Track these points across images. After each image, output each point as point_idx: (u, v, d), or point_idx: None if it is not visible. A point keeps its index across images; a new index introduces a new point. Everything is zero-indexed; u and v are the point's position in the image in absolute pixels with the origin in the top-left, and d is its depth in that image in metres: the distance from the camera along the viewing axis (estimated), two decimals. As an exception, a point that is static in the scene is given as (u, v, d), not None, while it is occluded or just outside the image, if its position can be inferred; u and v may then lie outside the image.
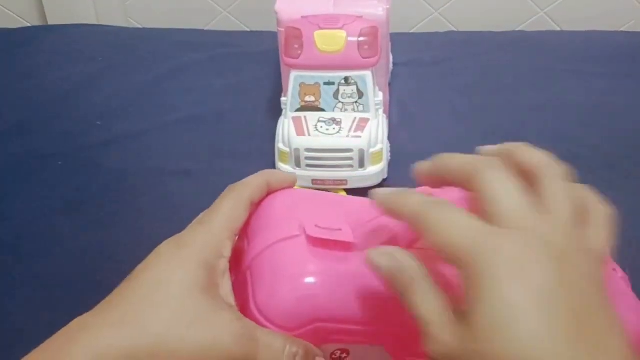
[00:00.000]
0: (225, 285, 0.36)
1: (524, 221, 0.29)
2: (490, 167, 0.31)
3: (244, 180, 0.41)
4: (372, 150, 0.72)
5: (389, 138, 0.78)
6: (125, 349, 0.32)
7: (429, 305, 0.30)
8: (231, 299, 0.36)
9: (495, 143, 0.88)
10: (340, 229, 0.38)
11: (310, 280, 0.36)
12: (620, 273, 0.42)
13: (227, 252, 0.37)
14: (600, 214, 0.33)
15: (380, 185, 0.75)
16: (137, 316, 0.33)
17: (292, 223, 0.38)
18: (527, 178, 0.32)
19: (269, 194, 0.42)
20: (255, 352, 0.34)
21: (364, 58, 0.72)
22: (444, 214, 0.30)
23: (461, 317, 0.29)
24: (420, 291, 0.30)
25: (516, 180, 0.31)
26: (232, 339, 0.33)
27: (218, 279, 0.36)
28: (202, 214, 0.40)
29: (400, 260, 0.32)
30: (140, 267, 0.36)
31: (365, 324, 0.36)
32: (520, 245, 0.28)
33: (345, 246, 0.37)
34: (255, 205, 0.41)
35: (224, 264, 0.37)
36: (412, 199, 0.32)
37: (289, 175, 0.43)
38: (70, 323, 0.34)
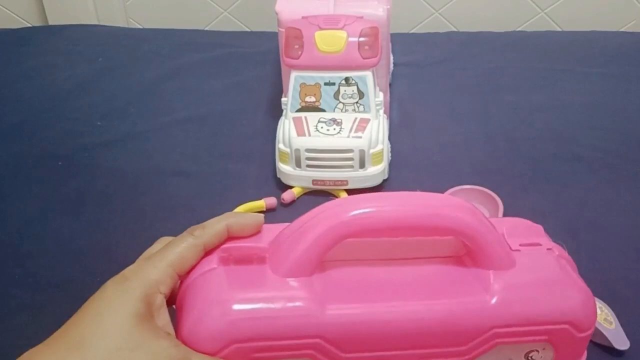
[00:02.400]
0: (162, 317, 0.39)
1: None
2: None
3: (205, 224, 0.42)
4: (372, 150, 0.72)
5: (389, 138, 0.78)
6: None
7: None
8: (170, 329, 0.39)
9: (495, 143, 0.88)
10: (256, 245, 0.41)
11: (224, 306, 0.38)
12: (557, 251, 0.44)
13: (164, 289, 0.39)
14: None
15: (380, 186, 0.75)
16: (84, 345, 0.36)
17: (212, 258, 0.41)
18: None
19: (231, 238, 0.42)
20: None
21: (364, 58, 0.72)
22: None
23: None
24: None
25: None
26: None
27: (154, 311, 0.38)
28: (155, 251, 0.42)
29: None
30: (88, 301, 0.38)
31: (283, 338, 0.38)
32: None
33: (259, 256, 0.40)
34: (212, 250, 0.42)
35: (160, 299, 0.39)
36: None
37: (252, 220, 0.43)
38: (23, 354, 0.38)
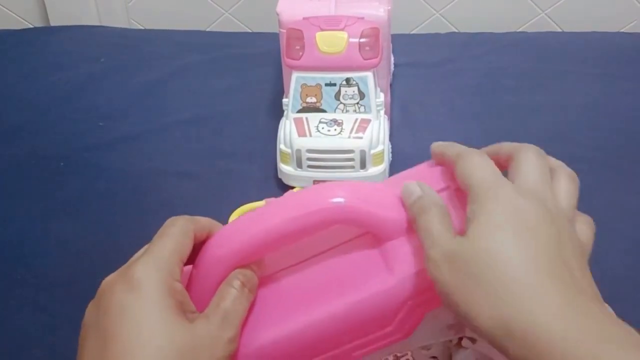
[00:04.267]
0: (187, 300, 0.38)
1: (530, 186, 0.37)
2: (526, 149, 0.39)
3: (187, 216, 0.42)
4: (373, 151, 0.72)
5: (390, 139, 0.78)
6: None
7: (440, 222, 0.36)
8: (193, 306, 0.38)
9: (495, 143, 0.88)
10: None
11: None
12: (453, 186, 0.44)
13: (178, 276, 0.38)
14: (567, 177, 0.39)
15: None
16: None
17: None
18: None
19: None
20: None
21: (365, 59, 0.72)
22: (476, 158, 0.38)
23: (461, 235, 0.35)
24: (435, 213, 0.37)
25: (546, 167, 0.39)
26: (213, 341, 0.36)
27: (180, 296, 0.37)
28: (148, 245, 0.40)
29: (423, 191, 0.39)
30: (110, 327, 0.35)
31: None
32: (516, 194, 0.35)
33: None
34: (200, 242, 0.41)
35: (179, 286, 0.38)
36: (456, 146, 0.41)
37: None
38: None
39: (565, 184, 0.38)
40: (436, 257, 0.35)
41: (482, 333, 0.33)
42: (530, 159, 0.38)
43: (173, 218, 0.41)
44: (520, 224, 0.34)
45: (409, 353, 0.39)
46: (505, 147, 0.40)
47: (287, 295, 0.40)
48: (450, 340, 0.41)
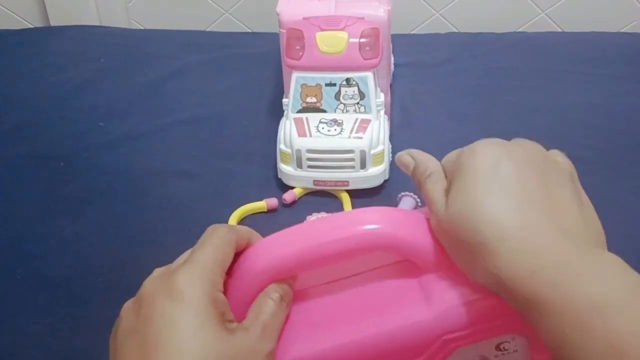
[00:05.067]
0: (228, 310, 0.38)
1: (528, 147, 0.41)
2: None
3: (228, 225, 0.42)
4: (373, 151, 0.73)
5: (390, 139, 0.78)
6: None
7: (433, 188, 0.39)
8: (232, 316, 0.38)
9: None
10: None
11: None
12: None
13: (220, 286, 0.38)
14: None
15: (381, 187, 0.75)
16: None
17: None
18: None
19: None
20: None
21: (365, 59, 0.72)
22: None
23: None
24: (434, 179, 0.40)
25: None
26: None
27: (222, 307, 0.37)
28: (189, 251, 0.40)
29: (420, 157, 0.43)
30: (152, 337, 0.35)
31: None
32: (502, 146, 0.40)
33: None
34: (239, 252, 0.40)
35: (222, 297, 0.37)
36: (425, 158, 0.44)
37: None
38: None
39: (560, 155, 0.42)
40: (434, 224, 0.38)
41: (484, 287, 0.35)
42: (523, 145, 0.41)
43: (214, 226, 0.40)
44: (495, 173, 0.36)
45: None
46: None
47: (321, 314, 0.39)
48: None
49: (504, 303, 0.35)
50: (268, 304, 0.38)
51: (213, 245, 0.39)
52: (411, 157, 0.43)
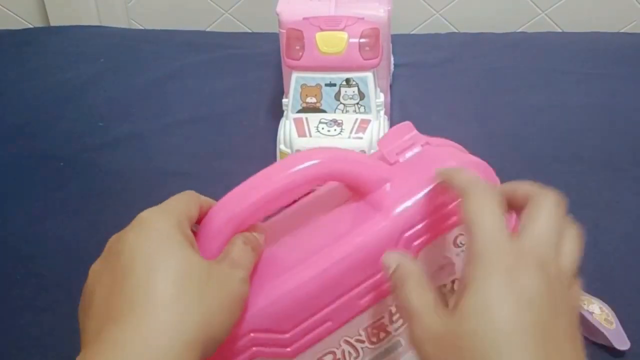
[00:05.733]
0: (197, 248, 0.38)
1: (536, 244, 0.34)
2: (546, 196, 0.37)
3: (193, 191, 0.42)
4: (373, 151, 0.72)
5: (390, 139, 0.78)
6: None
7: (419, 297, 0.35)
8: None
9: (495, 144, 0.89)
10: None
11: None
12: (436, 142, 0.48)
13: (187, 229, 0.38)
14: (574, 237, 0.37)
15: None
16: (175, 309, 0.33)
17: None
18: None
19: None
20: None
21: (365, 59, 0.72)
22: (486, 200, 0.35)
23: (448, 310, 0.33)
24: (412, 286, 0.35)
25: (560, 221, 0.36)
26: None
27: (191, 240, 0.37)
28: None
29: (400, 260, 0.37)
30: (122, 266, 0.34)
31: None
32: (517, 259, 0.33)
33: None
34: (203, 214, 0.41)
35: (190, 234, 0.38)
36: (464, 173, 0.38)
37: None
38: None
39: (570, 244, 0.36)
40: (421, 336, 0.34)
41: None
42: (548, 211, 0.36)
43: (180, 193, 0.41)
44: (514, 301, 0.32)
45: None
46: (524, 187, 0.38)
47: (288, 256, 0.41)
48: (444, 285, 0.42)
49: (450, 193, 0.39)
50: (235, 244, 0.39)
51: (176, 199, 0.40)
52: (396, 258, 0.38)
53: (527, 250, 0.34)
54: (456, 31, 1.19)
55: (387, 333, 0.42)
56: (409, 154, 0.44)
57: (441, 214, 0.40)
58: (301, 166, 0.41)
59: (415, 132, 0.45)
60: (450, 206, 0.40)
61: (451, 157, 0.43)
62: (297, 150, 0.72)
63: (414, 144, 0.44)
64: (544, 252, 0.34)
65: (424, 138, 0.45)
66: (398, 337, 0.42)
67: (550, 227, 0.35)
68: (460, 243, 0.41)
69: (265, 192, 0.41)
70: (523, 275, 0.32)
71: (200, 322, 0.33)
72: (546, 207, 0.36)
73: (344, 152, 0.42)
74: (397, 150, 0.44)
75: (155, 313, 0.32)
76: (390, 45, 0.87)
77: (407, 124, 0.45)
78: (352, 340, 0.41)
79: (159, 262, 0.34)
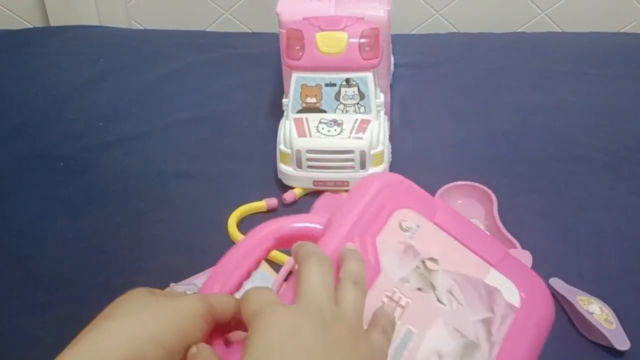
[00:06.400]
0: None
1: (314, 302, 0.36)
2: (315, 260, 0.38)
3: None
4: (373, 151, 0.72)
5: (390, 139, 0.78)
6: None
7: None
8: None
9: (495, 143, 0.88)
10: None
11: None
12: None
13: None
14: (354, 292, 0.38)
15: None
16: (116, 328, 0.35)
17: None
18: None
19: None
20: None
21: (365, 59, 0.72)
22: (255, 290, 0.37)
23: None
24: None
25: (330, 276, 0.38)
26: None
27: None
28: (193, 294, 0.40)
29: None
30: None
31: None
32: (292, 312, 0.35)
33: None
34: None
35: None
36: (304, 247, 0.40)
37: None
38: None
39: (351, 294, 0.37)
40: None
41: None
42: (310, 272, 0.37)
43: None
44: (292, 348, 0.33)
45: (397, 291, 0.41)
46: (292, 256, 0.40)
47: None
48: (419, 267, 0.43)
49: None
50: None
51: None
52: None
53: (298, 306, 0.35)
54: (456, 31, 1.19)
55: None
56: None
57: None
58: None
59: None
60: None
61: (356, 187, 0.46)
62: (297, 150, 0.72)
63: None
64: (317, 302, 0.35)
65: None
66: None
67: (318, 283, 0.36)
68: (407, 227, 0.44)
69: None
70: (298, 324, 0.34)
71: None
72: (309, 268, 0.37)
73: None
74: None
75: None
76: (390, 45, 0.87)
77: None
78: None
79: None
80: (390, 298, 0.41)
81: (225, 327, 0.39)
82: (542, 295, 0.44)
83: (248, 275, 0.42)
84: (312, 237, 0.44)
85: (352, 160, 0.72)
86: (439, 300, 0.41)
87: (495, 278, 0.43)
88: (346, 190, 0.74)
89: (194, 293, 0.39)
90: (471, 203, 0.72)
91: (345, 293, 0.37)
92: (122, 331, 0.34)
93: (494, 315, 0.42)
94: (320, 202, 0.50)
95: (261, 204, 0.73)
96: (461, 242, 0.44)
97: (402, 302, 0.41)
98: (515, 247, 0.65)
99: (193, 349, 0.35)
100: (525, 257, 0.63)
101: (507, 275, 0.44)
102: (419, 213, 0.45)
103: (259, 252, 0.43)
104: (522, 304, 0.43)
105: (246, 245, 0.43)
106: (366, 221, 0.43)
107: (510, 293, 0.43)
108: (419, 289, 0.41)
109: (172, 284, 0.62)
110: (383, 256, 0.42)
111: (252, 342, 0.33)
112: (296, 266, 0.39)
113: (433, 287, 0.42)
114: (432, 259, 0.43)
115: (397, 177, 0.47)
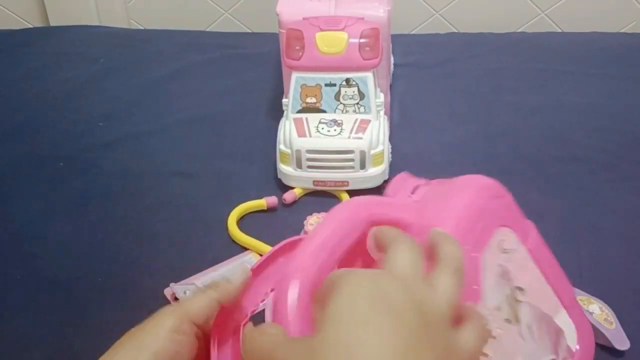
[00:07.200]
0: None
1: (399, 272, 0.33)
2: (407, 243, 0.35)
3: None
4: (373, 151, 0.72)
5: (390, 139, 0.78)
6: None
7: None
8: None
9: (495, 143, 0.88)
10: None
11: None
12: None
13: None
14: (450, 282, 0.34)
15: (381, 186, 0.75)
16: None
17: None
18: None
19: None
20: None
21: (365, 59, 0.72)
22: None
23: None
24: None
25: (421, 261, 0.34)
26: None
27: None
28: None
29: None
30: None
31: None
32: (379, 276, 0.32)
33: None
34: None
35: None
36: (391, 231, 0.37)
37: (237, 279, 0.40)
38: None
39: (446, 279, 0.33)
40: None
41: None
42: (401, 249, 0.34)
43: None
44: (379, 307, 0.29)
45: (491, 320, 0.39)
46: (373, 241, 0.38)
47: None
48: (509, 296, 0.41)
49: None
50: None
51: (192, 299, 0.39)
52: None
53: (387, 273, 0.33)
54: (456, 31, 1.19)
55: None
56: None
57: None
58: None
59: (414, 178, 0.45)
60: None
61: (466, 186, 0.43)
62: (297, 150, 0.72)
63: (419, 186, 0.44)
64: (407, 275, 0.33)
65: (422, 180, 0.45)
66: None
67: (407, 259, 0.34)
68: (507, 249, 0.41)
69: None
70: (386, 286, 0.31)
71: None
72: (399, 246, 0.35)
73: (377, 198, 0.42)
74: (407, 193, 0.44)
75: None
76: (390, 45, 0.87)
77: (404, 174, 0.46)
78: None
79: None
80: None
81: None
82: (589, 355, 0.44)
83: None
84: (401, 225, 0.40)
85: (352, 160, 0.72)
86: (520, 335, 0.40)
87: (562, 319, 0.43)
88: (347, 191, 0.74)
89: (169, 305, 0.39)
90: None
91: (442, 277, 0.33)
92: None
93: (557, 358, 0.41)
94: (395, 184, 0.46)
95: (261, 202, 0.73)
96: (543, 274, 0.42)
97: (494, 333, 0.39)
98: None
99: None
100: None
101: (573, 320, 0.43)
102: (516, 234, 0.42)
103: (354, 237, 0.39)
104: (575, 354, 0.42)
105: (340, 230, 0.39)
106: (476, 231, 0.40)
107: (570, 338, 0.43)
108: (507, 320, 0.40)
109: (172, 284, 0.62)
110: (482, 276, 0.39)
111: (334, 299, 0.30)
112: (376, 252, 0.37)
113: (518, 320, 0.40)
114: (519, 289, 0.41)
115: (501, 188, 0.44)
